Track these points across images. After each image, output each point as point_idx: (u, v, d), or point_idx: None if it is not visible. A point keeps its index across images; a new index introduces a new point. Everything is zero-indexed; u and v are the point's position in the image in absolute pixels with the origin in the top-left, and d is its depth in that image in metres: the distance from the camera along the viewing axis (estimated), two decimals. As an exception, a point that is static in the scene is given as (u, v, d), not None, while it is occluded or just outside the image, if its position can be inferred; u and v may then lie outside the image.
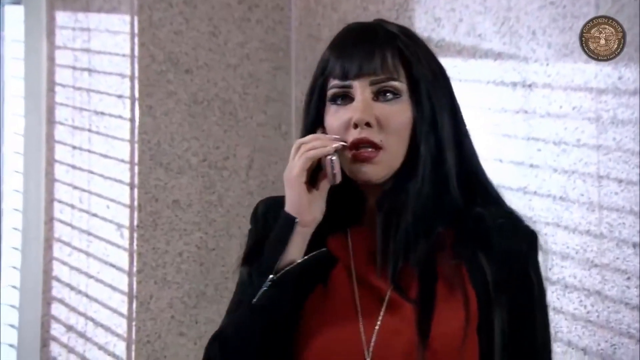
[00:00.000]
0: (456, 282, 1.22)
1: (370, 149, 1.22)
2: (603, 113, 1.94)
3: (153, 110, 2.39)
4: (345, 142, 1.22)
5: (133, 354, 2.31)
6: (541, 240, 1.29)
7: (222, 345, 1.24)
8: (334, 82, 1.25)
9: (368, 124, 1.21)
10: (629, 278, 1.89)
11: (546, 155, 2.03)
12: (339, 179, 1.23)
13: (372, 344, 1.21)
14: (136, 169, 2.36)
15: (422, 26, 2.32)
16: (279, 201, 1.27)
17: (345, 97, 1.24)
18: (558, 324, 1.98)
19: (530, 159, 2.06)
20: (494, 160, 2.12)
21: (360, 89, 1.22)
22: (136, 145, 2.36)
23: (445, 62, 2.22)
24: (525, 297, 1.25)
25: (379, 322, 1.22)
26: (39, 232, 2.43)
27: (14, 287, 2.41)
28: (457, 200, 1.25)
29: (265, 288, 1.19)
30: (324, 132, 1.26)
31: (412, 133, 1.24)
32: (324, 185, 1.24)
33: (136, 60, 2.37)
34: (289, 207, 1.23)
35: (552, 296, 1.99)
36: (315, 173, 1.24)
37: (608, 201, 1.93)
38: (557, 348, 1.97)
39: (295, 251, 1.22)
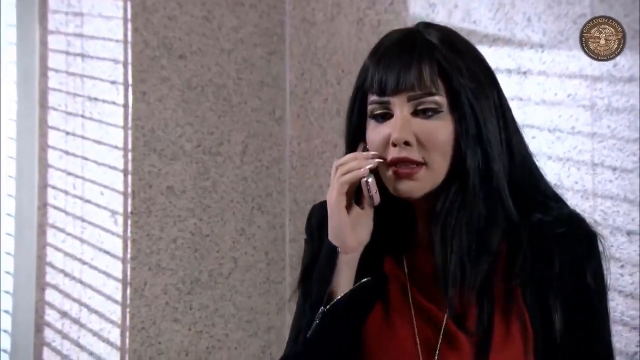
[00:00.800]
0: (512, 306, 1.18)
1: (411, 166, 1.17)
2: (598, 101, 1.94)
3: (147, 96, 2.38)
4: (382, 158, 1.19)
5: (127, 340, 2.31)
6: (602, 241, 1.23)
7: None
8: (372, 97, 1.21)
9: (407, 143, 1.17)
10: (622, 266, 1.89)
11: (541, 143, 2.03)
12: (377, 200, 1.20)
13: None
14: (130, 155, 2.34)
15: (416, 12, 2.31)
16: None
17: (385, 115, 1.20)
18: (552, 311, 1.98)
19: (524, 146, 2.06)
20: (488, 147, 2.12)
21: (399, 106, 1.18)
22: (130, 132, 2.35)
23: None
24: (582, 305, 1.20)
25: (437, 354, 1.20)
26: (32, 217, 2.42)
27: (8, 273, 2.41)
28: (510, 214, 1.20)
29: (317, 322, 1.18)
30: (366, 147, 1.22)
31: (455, 146, 1.18)
32: (369, 208, 1.21)
33: (129, 45, 2.35)
34: (331, 234, 1.21)
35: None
36: (359, 192, 1.21)
37: (602, 189, 1.93)
38: (550, 335, 1.98)
39: (343, 280, 1.19)
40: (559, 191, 1.98)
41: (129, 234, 2.33)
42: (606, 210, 1.92)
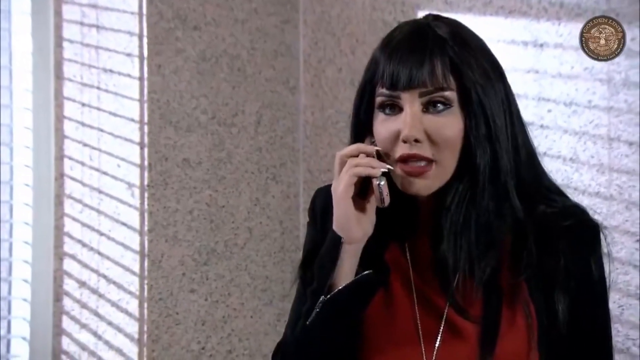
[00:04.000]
0: (517, 298, 1.20)
1: (422, 163, 1.18)
2: (615, 74, 1.93)
3: (162, 68, 2.38)
4: (391, 167, 1.19)
5: (145, 311, 2.34)
6: (604, 232, 1.26)
7: None
8: (381, 90, 1.20)
9: (417, 140, 1.17)
10: (637, 240, 1.90)
11: (557, 116, 2.03)
12: (387, 201, 1.20)
13: None
14: (146, 128, 2.36)
15: (432, -19, 2.30)
16: None
17: (393, 107, 1.20)
18: (566, 284, 2.00)
19: (540, 119, 2.06)
20: (504, 120, 2.12)
21: (409, 101, 1.18)
22: (145, 105, 2.35)
23: (455, 18, 2.21)
24: (587, 297, 1.23)
25: (438, 341, 1.22)
26: (49, 188, 2.44)
27: (26, 242, 2.43)
28: (516, 210, 1.21)
29: (317, 310, 1.19)
30: (373, 140, 1.22)
31: (464, 142, 1.19)
32: (374, 200, 1.21)
33: (144, 18, 2.35)
34: (336, 225, 1.20)
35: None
36: (365, 184, 1.21)
37: (618, 163, 1.93)
38: (564, 308, 2.00)
39: (345, 269, 1.20)
40: (575, 165, 2.00)
41: (145, 206, 2.35)
42: (622, 185, 1.92)
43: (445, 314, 1.22)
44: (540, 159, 1.29)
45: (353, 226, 1.19)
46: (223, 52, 2.51)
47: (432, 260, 1.22)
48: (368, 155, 1.20)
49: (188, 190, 2.43)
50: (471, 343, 1.19)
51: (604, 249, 1.26)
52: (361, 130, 1.25)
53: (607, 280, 1.26)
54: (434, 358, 1.22)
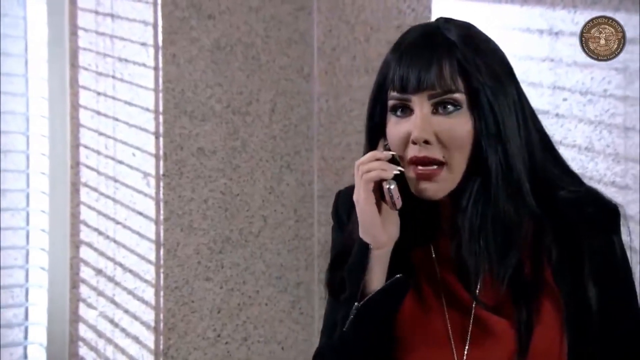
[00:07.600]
0: (544, 289, 1.23)
1: (433, 167, 1.20)
2: (631, 64, 1.92)
3: (176, 58, 2.39)
4: (402, 169, 1.21)
5: (162, 299, 2.36)
6: (623, 211, 1.28)
7: None
8: (393, 93, 1.23)
9: (427, 142, 1.19)
10: (652, 231, 1.90)
11: (572, 105, 2.02)
12: (399, 205, 1.22)
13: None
14: (161, 117, 2.36)
15: (447, -31, 2.29)
16: None
17: (405, 109, 1.22)
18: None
19: (555, 108, 2.06)
20: (519, 109, 2.11)
21: (419, 104, 1.20)
22: (160, 94, 2.36)
23: (470, 6, 2.21)
24: (614, 278, 1.25)
25: (468, 340, 1.24)
26: (65, 176, 2.45)
27: (43, 230, 2.45)
28: (531, 207, 1.23)
29: (351, 317, 1.22)
30: (386, 143, 1.25)
31: (474, 143, 1.21)
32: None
33: (159, 7, 2.35)
34: (362, 232, 1.23)
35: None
36: (383, 191, 1.23)
37: (634, 153, 1.92)
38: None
39: (376, 274, 1.23)
40: (590, 154, 1.99)
41: (161, 195, 2.36)
42: (637, 174, 1.92)
43: (472, 312, 1.24)
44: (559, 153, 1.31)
45: (379, 232, 1.22)
46: (237, 40, 2.51)
47: (454, 261, 1.24)
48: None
49: (203, 179, 2.44)
50: (502, 339, 1.22)
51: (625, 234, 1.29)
52: (375, 133, 1.27)
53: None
54: (465, 356, 1.24)
